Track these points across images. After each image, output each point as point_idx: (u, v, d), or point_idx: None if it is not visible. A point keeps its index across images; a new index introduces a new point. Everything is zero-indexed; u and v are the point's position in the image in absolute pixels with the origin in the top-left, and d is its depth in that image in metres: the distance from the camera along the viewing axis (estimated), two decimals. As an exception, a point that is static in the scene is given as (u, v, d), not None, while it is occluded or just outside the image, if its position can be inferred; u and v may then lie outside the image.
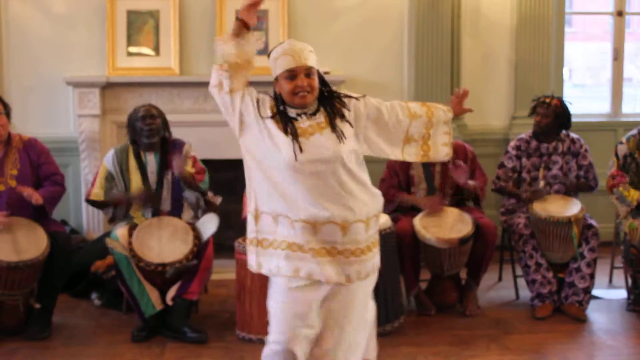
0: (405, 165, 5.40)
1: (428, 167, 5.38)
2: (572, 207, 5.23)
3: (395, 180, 5.39)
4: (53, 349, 4.65)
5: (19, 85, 6.32)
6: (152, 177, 5.05)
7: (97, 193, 5.03)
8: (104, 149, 6.06)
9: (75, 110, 6.21)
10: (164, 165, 5.06)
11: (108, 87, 6.21)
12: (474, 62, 6.72)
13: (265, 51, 6.45)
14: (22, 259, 4.62)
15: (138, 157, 5.06)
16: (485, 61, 6.75)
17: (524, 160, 5.51)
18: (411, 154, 3.43)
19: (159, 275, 4.76)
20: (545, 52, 6.71)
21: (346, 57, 6.51)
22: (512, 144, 5.61)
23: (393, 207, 5.34)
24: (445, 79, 6.52)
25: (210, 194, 5.15)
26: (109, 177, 5.02)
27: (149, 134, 5.00)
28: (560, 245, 5.17)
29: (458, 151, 5.40)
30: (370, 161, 5.95)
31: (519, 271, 5.47)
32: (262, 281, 4.71)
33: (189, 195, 5.09)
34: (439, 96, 6.47)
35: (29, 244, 4.70)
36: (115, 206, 5.05)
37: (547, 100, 5.45)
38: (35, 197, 4.74)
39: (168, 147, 5.11)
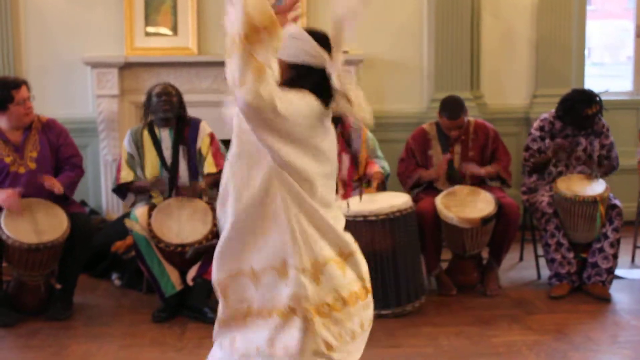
0: (423, 146, 5.37)
1: (447, 147, 5.34)
2: (597, 187, 5.19)
3: (413, 161, 5.37)
4: (74, 329, 4.66)
5: (37, 66, 6.31)
6: (167, 153, 5.06)
7: (125, 175, 5.02)
8: (123, 129, 6.05)
9: (94, 90, 6.20)
10: (178, 141, 5.06)
11: (126, 67, 6.19)
12: (494, 41, 6.65)
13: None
14: (43, 240, 4.63)
15: (152, 134, 5.06)
16: (505, 39, 6.68)
17: (547, 141, 5.44)
18: None
19: (179, 256, 4.75)
20: (566, 30, 6.63)
21: (365, 36, 6.44)
22: (535, 124, 5.53)
23: (412, 183, 5.31)
24: (465, 58, 6.46)
25: None
26: (130, 159, 5.03)
27: (164, 109, 4.99)
28: (585, 225, 5.12)
29: (479, 131, 5.37)
30: (389, 141, 5.99)
31: (540, 251, 5.43)
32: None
33: None
34: (458, 75, 6.42)
35: (49, 225, 4.70)
36: (137, 193, 5.08)
37: (592, 111, 5.29)
38: (57, 187, 4.75)
39: (184, 124, 5.11)
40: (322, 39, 2.49)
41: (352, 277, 2.48)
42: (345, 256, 2.47)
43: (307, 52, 2.44)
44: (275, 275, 2.33)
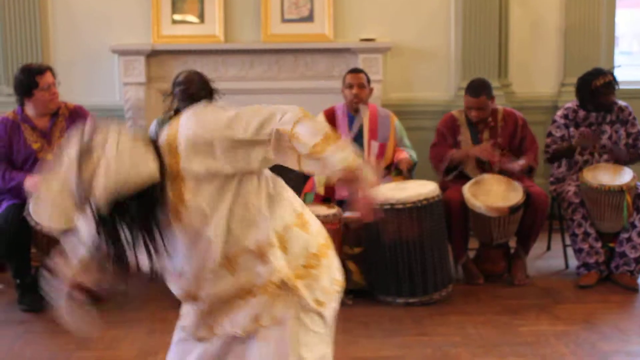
0: (453, 130, 5.34)
1: (476, 133, 5.32)
2: (624, 176, 5.15)
3: (446, 144, 5.33)
4: (102, 314, 4.67)
5: (65, 54, 6.33)
6: None
7: None
8: (150, 117, 6.06)
9: (121, 78, 6.22)
10: None
11: (153, 55, 6.20)
12: (522, 29, 6.58)
13: (310, 18, 6.47)
14: (71, 226, 4.65)
15: None
16: (534, 27, 6.61)
17: (572, 129, 5.40)
18: None
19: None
20: (595, 18, 6.55)
21: (392, 24, 6.42)
22: (559, 113, 5.51)
23: (445, 167, 5.26)
24: (493, 46, 6.40)
25: None
26: None
27: (182, 97, 4.97)
28: (612, 215, 5.09)
29: (508, 119, 5.34)
30: (416, 128, 5.96)
31: (568, 240, 5.40)
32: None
33: None
34: (486, 63, 6.37)
35: (77, 211, 4.72)
36: None
37: (600, 82, 5.30)
38: None
39: None
40: None
41: (315, 229, 2.46)
42: (300, 214, 2.45)
43: None
44: (250, 257, 2.32)
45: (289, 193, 2.45)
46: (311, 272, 2.37)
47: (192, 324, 2.45)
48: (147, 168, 2.13)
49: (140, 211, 2.17)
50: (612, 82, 5.30)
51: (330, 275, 2.44)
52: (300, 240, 2.38)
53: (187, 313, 2.48)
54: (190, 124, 2.26)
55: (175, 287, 2.45)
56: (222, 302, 2.36)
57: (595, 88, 5.27)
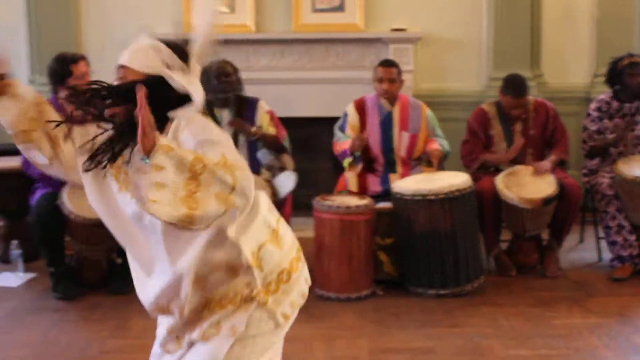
0: (484, 125, 5.30)
1: (508, 127, 5.28)
2: (660, 167, 5.11)
3: (478, 142, 5.29)
4: (135, 303, 4.60)
5: (97, 43, 6.36)
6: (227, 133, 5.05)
7: None
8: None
9: (153, 67, 6.22)
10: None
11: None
12: (555, 17, 6.51)
13: (341, 8, 6.45)
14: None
15: (212, 115, 5.07)
16: (566, 16, 6.54)
17: (605, 121, 5.36)
18: None
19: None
20: (629, 6, 6.48)
21: (423, 13, 6.38)
22: (592, 105, 5.47)
23: (476, 166, 5.24)
24: (525, 35, 6.34)
25: (286, 157, 5.14)
26: None
27: (223, 89, 5.00)
28: (646, 207, 5.05)
29: (539, 109, 5.29)
30: (448, 119, 5.92)
31: (601, 233, 5.35)
32: (342, 239, 4.73)
33: (263, 156, 5.09)
34: (518, 52, 6.32)
35: (110, 200, 4.75)
36: None
37: (623, 63, 5.31)
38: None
39: (242, 104, 5.11)
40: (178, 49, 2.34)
41: (289, 244, 2.45)
42: (275, 229, 2.43)
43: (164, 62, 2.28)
44: (221, 273, 2.31)
45: (264, 208, 2.41)
46: (281, 286, 2.38)
47: (162, 337, 2.44)
48: (196, 95, 2.26)
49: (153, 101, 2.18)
50: (638, 63, 5.26)
51: (299, 289, 2.45)
52: (274, 258, 2.37)
53: (161, 323, 2.47)
54: (194, 118, 2.33)
55: (144, 296, 2.42)
56: (193, 314, 2.34)
57: (621, 68, 5.28)
